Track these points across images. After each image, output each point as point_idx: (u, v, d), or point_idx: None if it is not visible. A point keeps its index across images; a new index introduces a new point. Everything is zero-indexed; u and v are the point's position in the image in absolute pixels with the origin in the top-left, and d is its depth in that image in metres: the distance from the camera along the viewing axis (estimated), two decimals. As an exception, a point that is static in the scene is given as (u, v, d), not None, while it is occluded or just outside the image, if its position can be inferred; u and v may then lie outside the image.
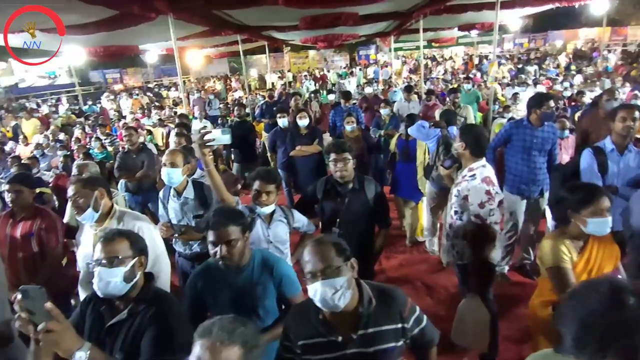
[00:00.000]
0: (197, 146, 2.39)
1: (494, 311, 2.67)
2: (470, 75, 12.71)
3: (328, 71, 19.65)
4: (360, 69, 18.63)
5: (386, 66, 18.73)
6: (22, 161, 6.46)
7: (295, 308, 1.72)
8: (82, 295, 2.40)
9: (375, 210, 2.87)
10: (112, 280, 1.56)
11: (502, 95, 9.76)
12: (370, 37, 15.46)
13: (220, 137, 2.39)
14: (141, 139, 5.92)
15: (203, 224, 1.97)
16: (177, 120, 5.86)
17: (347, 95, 6.85)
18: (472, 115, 6.21)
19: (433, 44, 18.25)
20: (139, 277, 1.66)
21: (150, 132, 8.02)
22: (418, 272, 4.23)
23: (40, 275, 2.79)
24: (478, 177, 2.58)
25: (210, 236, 1.86)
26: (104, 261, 1.58)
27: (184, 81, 19.56)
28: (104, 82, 25.00)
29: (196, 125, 7.01)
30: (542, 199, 3.79)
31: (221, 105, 10.69)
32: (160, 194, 3.01)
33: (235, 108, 6.15)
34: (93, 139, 7.68)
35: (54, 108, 14.53)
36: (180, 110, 10.56)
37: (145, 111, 11.08)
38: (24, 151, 7.88)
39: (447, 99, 7.26)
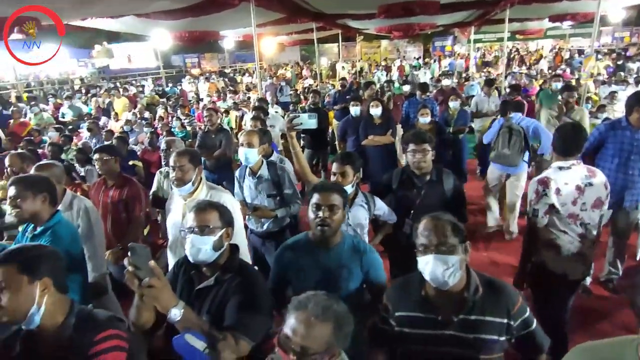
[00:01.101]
0: (286, 129, 2.48)
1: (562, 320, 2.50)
2: (559, 72, 11.67)
3: (400, 62, 19.16)
4: (434, 61, 17.92)
5: (462, 58, 17.83)
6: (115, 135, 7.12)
7: (398, 281, 1.75)
8: (171, 258, 2.57)
9: (451, 204, 2.75)
10: (202, 248, 1.65)
11: (595, 93, 8.85)
12: (448, 28, 14.79)
13: (307, 121, 2.48)
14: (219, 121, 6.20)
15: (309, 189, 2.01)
16: (256, 104, 6.03)
17: (423, 87, 6.61)
18: (587, 120, 5.44)
19: (517, 35, 16.98)
20: (226, 247, 1.74)
21: (227, 114, 8.38)
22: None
23: (124, 239, 3.05)
24: (552, 176, 2.43)
25: (315, 199, 1.92)
26: (196, 229, 1.67)
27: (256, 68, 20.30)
28: (184, 66, 26.60)
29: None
30: (636, 210, 3.39)
31: (291, 92, 10.87)
32: (237, 173, 3.13)
33: (310, 95, 6.19)
34: (174, 118, 8.20)
35: (141, 88, 15.73)
36: (253, 95, 10.91)
37: (221, 95, 11.59)
38: (114, 126, 8.63)
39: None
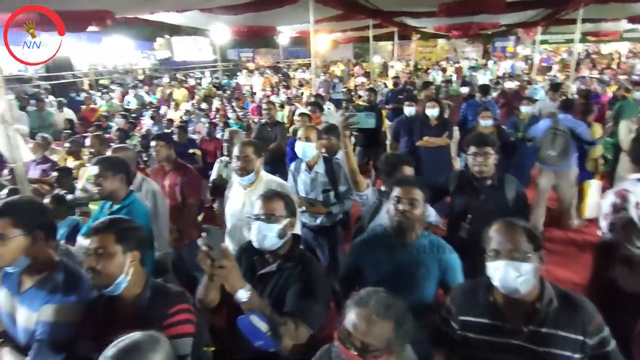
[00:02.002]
0: (341, 127, 2.49)
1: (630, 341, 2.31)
2: (635, 77, 10.75)
3: (457, 62, 18.49)
4: (494, 62, 17.16)
5: (525, 60, 16.95)
6: (175, 124, 7.50)
7: (464, 284, 1.73)
8: (230, 244, 2.68)
9: (513, 212, 2.64)
10: (268, 235, 1.72)
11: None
12: (512, 27, 14.10)
13: (365, 120, 2.47)
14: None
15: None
16: (312, 99, 6.10)
17: (485, 89, 6.35)
18: None
19: (589, 37, 15.82)
20: (289, 237, 1.81)
21: (282, 108, 8.56)
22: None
23: (179, 222, 3.21)
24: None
25: (396, 192, 1.94)
26: (262, 216, 1.75)
27: (310, 64, 20.47)
28: (239, 60, 27.36)
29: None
30: None
31: (344, 89, 10.86)
32: (292, 166, 3.20)
33: (365, 93, 6.15)
34: (230, 110, 8.48)
35: (199, 80, 16.40)
36: (305, 90, 11.03)
37: (274, 89, 11.84)
38: (174, 115, 9.08)
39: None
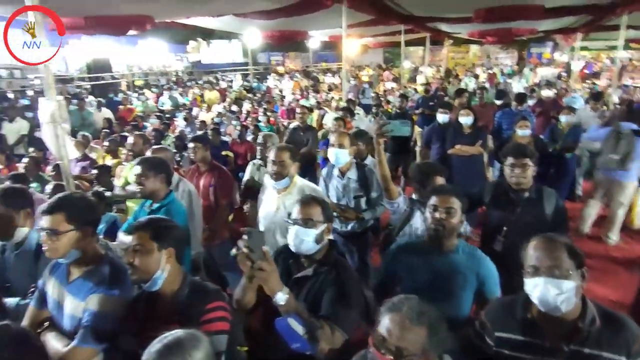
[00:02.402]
0: (374, 135, 2.50)
1: None
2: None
3: (490, 68, 18.05)
4: (530, 69, 16.66)
5: (563, 68, 16.36)
6: (207, 125, 7.68)
7: (500, 299, 1.70)
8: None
9: (551, 227, 2.56)
10: (305, 239, 1.74)
11: None
12: (549, 34, 13.70)
13: (400, 128, 2.45)
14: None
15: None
16: (342, 105, 6.12)
17: (521, 97, 6.17)
18: None
19: (632, 44, 15.12)
20: (325, 242, 1.82)
21: (311, 112, 8.61)
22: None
23: (212, 223, 3.28)
24: None
25: (433, 200, 1.95)
26: (300, 221, 1.77)
27: (339, 68, 20.48)
28: (269, 63, 27.74)
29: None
30: None
31: (373, 94, 10.83)
32: (323, 172, 3.21)
33: (397, 99, 6.11)
34: (261, 113, 8.59)
35: (230, 83, 16.73)
36: (335, 95, 11.06)
37: (304, 93, 11.92)
38: (205, 117, 9.27)
39: None
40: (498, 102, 7.10)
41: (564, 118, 5.14)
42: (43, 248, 1.69)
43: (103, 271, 1.70)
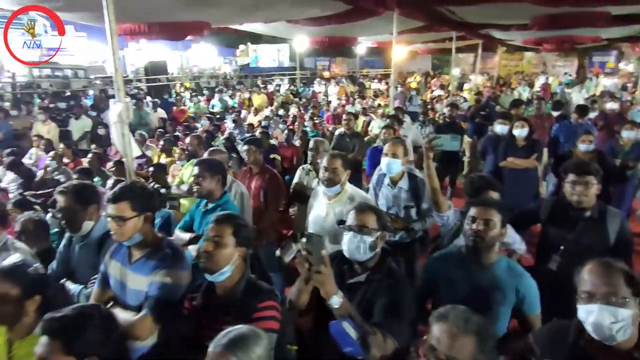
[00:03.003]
0: (424, 148, 2.48)
1: None
2: None
3: (546, 77, 17.18)
4: (590, 79, 15.68)
5: (628, 78, 15.30)
6: (255, 128, 7.89)
7: (551, 324, 1.65)
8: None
9: (613, 250, 2.41)
10: (359, 246, 1.76)
11: None
12: (614, 42, 12.90)
13: (450, 143, 2.41)
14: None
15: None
16: (391, 112, 6.08)
17: (583, 109, 5.78)
18: None
19: None
20: (379, 250, 1.84)
21: (356, 118, 8.62)
22: None
23: (260, 224, 3.35)
24: None
25: (472, 212, 1.92)
26: (355, 228, 1.79)
27: (386, 74, 20.36)
28: (315, 68, 28.06)
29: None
30: None
31: (420, 102, 10.65)
32: (373, 179, 3.19)
33: (447, 108, 5.96)
34: (307, 118, 8.69)
35: (277, 87, 17.09)
36: (381, 101, 11.01)
37: (349, 99, 11.94)
38: (253, 120, 9.53)
39: None
40: (555, 114, 6.75)
41: (625, 133, 4.78)
42: (111, 232, 1.85)
43: (165, 251, 1.84)
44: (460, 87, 15.34)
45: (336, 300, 1.55)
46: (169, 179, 4.76)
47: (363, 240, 1.77)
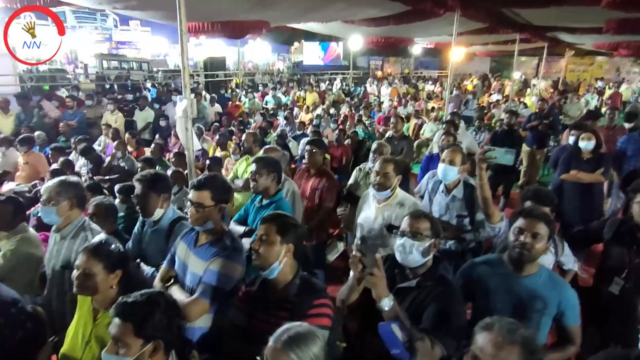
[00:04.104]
0: (477, 160, 2.43)
1: None
2: None
3: (617, 85, 15.86)
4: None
5: None
6: (306, 126, 8.01)
7: (609, 352, 1.58)
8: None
9: None
10: (412, 252, 1.79)
11: None
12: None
13: (503, 156, 2.36)
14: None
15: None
16: (448, 117, 5.93)
17: (655, 121, 5.37)
18: None
19: None
20: (431, 257, 1.85)
21: (407, 121, 8.50)
22: None
23: (311, 222, 3.41)
24: None
25: (519, 223, 1.89)
26: (409, 234, 1.81)
27: (440, 76, 19.82)
28: (367, 67, 27.89)
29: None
30: None
31: (476, 106, 10.28)
32: (429, 185, 3.15)
33: (506, 116, 5.69)
34: (358, 118, 8.68)
35: (330, 86, 17.19)
36: (435, 104, 10.75)
37: (402, 100, 11.75)
38: (305, 118, 9.65)
39: None
40: (627, 126, 6.24)
41: None
42: (188, 216, 2.00)
43: (226, 241, 1.97)
44: (522, 92, 14.61)
45: (387, 303, 1.58)
46: (223, 173, 4.97)
47: (416, 246, 1.78)
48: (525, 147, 6.43)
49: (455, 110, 8.10)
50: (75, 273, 1.78)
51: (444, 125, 4.82)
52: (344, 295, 1.79)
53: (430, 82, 18.08)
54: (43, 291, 2.57)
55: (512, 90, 11.46)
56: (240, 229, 2.65)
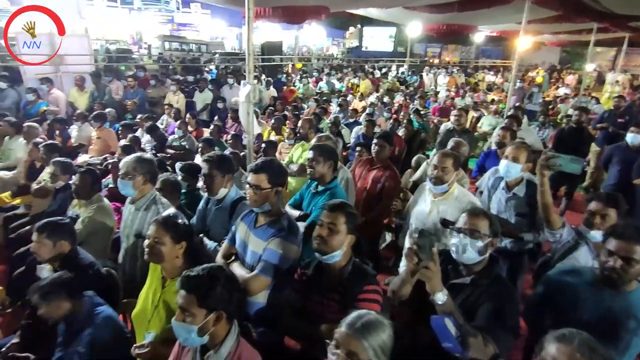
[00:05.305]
0: (539, 165, 2.31)
1: None
2: None
3: None
4: None
5: None
6: (358, 114, 7.93)
7: None
8: (407, 243, 2.77)
9: None
10: (469, 249, 1.76)
11: None
12: None
13: (569, 164, 2.21)
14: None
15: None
16: (511, 111, 5.63)
17: None
18: None
19: None
20: (487, 256, 1.81)
21: (466, 112, 8.15)
22: None
23: (369, 214, 3.40)
24: None
25: (611, 245, 1.77)
26: (466, 231, 1.79)
27: (503, 67, 18.74)
28: (424, 54, 26.97)
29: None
30: None
31: (541, 100, 9.66)
32: (489, 182, 3.05)
33: (576, 112, 5.26)
34: (411, 108, 8.47)
35: (384, 73, 16.85)
36: (495, 96, 10.22)
37: (460, 91, 11.28)
38: (358, 105, 9.54)
39: None
40: None
41: None
42: (247, 198, 2.10)
43: (283, 223, 2.06)
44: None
45: (441, 297, 1.58)
46: (277, 157, 5.07)
47: (473, 244, 1.75)
48: (594, 147, 5.99)
49: (518, 104, 7.66)
50: (146, 242, 1.95)
51: (505, 120, 4.58)
52: (396, 287, 1.80)
53: (491, 73, 17.16)
54: (114, 257, 2.83)
55: (584, 83, 10.62)
56: (295, 212, 2.73)
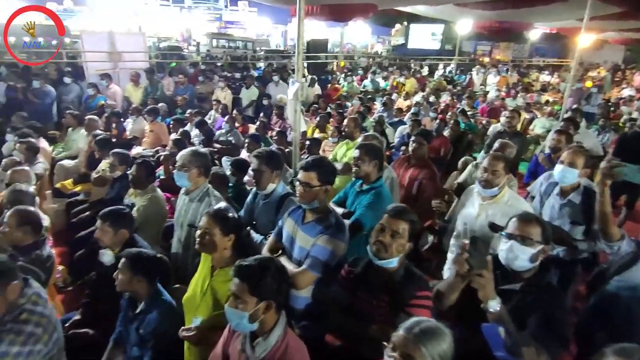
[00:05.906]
0: (601, 173, 2.13)
1: None
2: None
3: None
4: None
5: None
6: (403, 113, 7.82)
7: None
8: (452, 246, 2.76)
9: None
10: (520, 256, 1.71)
11: None
12: None
13: (635, 175, 2.04)
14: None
15: None
16: (568, 114, 5.35)
17: None
18: None
19: None
20: (538, 263, 1.75)
21: (518, 114, 7.81)
22: None
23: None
24: None
25: None
26: (517, 237, 1.72)
27: (560, 65, 17.70)
28: (473, 52, 26.04)
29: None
30: None
31: (601, 102, 9.05)
32: (542, 187, 2.92)
33: (637, 113, 4.92)
34: (457, 108, 8.21)
35: (431, 72, 16.41)
36: (550, 98, 9.69)
37: (512, 91, 10.78)
38: (402, 104, 9.38)
39: None
40: None
41: None
42: (297, 194, 2.14)
43: (331, 220, 2.09)
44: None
45: (493, 305, 1.55)
46: (320, 154, 5.10)
47: (524, 251, 1.70)
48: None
49: (575, 105, 7.23)
50: (198, 232, 2.04)
51: (561, 123, 4.34)
52: (444, 291, 1.77)
53: (546, 72, 16.25)
54: (164, 244, 2.98)
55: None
56: (339, 210, 2.74)
